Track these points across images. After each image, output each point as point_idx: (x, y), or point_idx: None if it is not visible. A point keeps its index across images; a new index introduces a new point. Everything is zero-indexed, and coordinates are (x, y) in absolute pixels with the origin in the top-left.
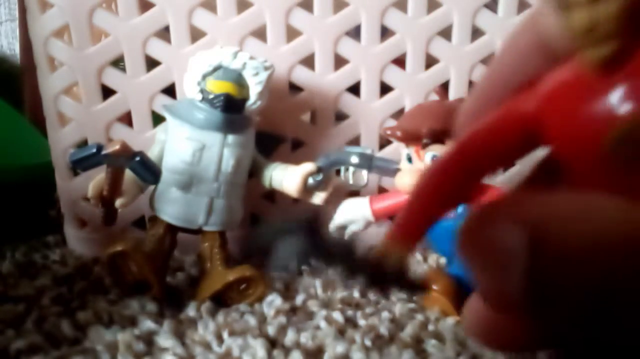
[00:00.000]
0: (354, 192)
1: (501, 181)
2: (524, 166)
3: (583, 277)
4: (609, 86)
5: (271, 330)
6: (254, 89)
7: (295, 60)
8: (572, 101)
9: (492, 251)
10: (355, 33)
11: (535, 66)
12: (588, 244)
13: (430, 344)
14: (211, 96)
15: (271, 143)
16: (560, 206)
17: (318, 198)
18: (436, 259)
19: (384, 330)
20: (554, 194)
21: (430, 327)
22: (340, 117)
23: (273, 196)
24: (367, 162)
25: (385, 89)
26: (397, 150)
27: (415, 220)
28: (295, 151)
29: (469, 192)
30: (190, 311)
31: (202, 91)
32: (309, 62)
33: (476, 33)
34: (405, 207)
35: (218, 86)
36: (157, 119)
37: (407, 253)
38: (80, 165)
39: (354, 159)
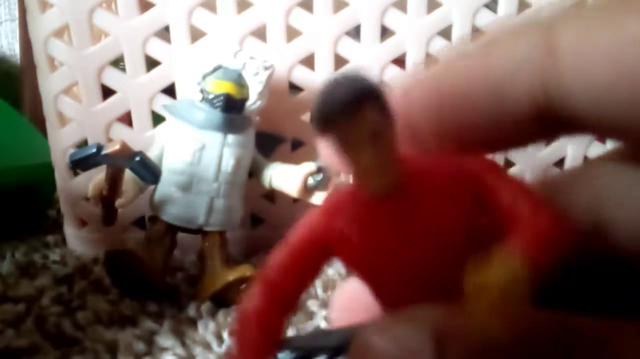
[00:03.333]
0: None
1: None
2: None
3: None
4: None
5: None
6: (254, 89)
7: (295, 60)
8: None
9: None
10: (355, 33)
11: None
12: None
13: None
14: (211, 96)
15: (271, 143)
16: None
17: (318, 198)
18: None
19: None
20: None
21: None
22: None
23: (273, 196)
24: None
25: None
26: None
27: None
28: (295, 151)
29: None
30: (190, 311)
31: (202, 91)
32: (309, 62)
33: (476, 33)
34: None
35: (218, 86)
36: (157, 119)
37: None
38: (80, 165)
39: None
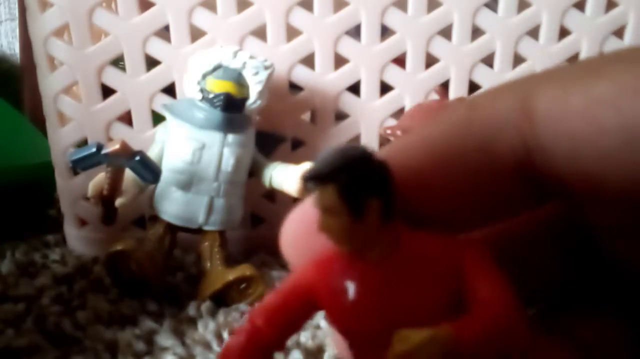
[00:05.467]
0: None
1: None
2: None
3: None
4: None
5: None
6: (254, 89)
7: (295, 59)
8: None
9: None
10: (355, 32)
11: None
12: None
13: None
14: (211, 95)
15: (271, 143)
16: None
17: None
18: None
19: None
20: None
21: None
22: (340, 116)
23: (273, 195)
24: None
25: (385, 88)
26: None
27: None
28: (295, 150)
29: None
30: (190, 310)
31: (202, 90)
32: (309, 61)
33: (476, 33)
34: None
35: (218, 85)
36: (157, 119)
37: None
38: (80, 164)
39: None
